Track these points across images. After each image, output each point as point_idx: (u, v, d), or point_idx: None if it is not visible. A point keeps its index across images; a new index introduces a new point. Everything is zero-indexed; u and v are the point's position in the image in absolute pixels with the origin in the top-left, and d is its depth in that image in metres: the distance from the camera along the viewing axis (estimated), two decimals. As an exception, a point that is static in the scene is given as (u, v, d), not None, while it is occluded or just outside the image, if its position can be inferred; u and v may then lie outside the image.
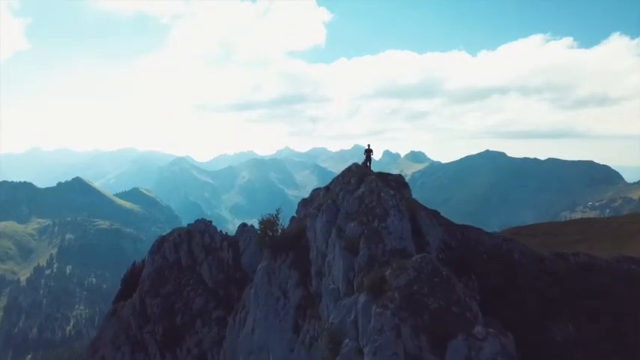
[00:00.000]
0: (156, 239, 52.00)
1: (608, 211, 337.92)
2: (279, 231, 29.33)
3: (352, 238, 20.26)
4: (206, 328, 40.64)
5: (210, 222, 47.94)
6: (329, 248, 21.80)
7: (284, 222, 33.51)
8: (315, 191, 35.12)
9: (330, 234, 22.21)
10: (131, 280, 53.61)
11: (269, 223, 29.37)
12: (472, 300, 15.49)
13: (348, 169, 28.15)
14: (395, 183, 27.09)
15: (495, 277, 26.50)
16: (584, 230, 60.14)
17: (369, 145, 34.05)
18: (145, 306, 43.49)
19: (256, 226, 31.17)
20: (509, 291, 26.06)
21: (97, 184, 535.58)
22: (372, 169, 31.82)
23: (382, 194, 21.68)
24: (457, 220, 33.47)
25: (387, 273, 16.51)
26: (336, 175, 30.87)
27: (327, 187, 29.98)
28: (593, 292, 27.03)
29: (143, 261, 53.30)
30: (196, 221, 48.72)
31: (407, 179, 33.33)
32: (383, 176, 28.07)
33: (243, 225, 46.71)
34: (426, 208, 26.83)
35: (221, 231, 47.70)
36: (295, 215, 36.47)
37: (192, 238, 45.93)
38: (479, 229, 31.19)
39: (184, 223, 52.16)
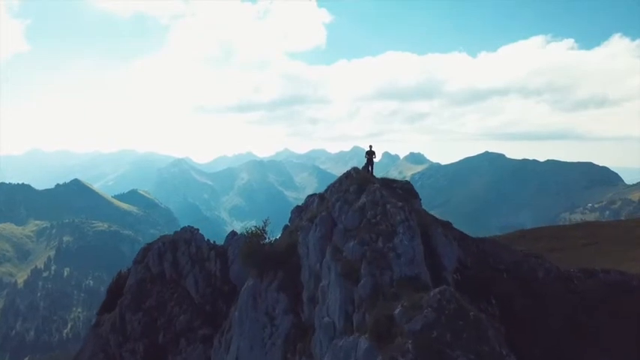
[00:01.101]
0: (141, 247, 48.43)
1: (607, 212, 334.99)
2: (267, 245, 25.20)
3: (351, 262, 16.26)
4: (191, 347, 36.89)
5: (197, 230, 44.14)
6: (323, 271, 17.95)
7: (278, 230, 29.66)
8: (310, 197, 31.14)
9: (324, 253, 18.33)
10: (116, 290, 50.25)
11: (255, 236, 25.11)
12: (510, 352, 11.74)
13: (347, 175, 23.86)
14: (402, 192, 23.19)
15: (518, 300, 22.95)
16: (591, 234, 56.42)
17: (370, 147, 29.70)
18: (125, 322, 39.77)
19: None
20: (534, 317, 22.49)
21: (96, 185, 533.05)
22: (374, 174, 27.95)
23: (388, 206, 17.66)
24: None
25: (397, 312, 12.71)
26: (336, 178, 26.98)
27: (321, 196, 25.88)
28: (629, 317, 23.48)
29: (129, 269, 49.85)
30: (182, 229, 44.93)
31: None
32: (388, 183, 24.15)
33: (233, 233, 42.93)
34: (438, 221, 22.92)
35: (209, 240, 43.96)
36: (289, 224, 32.64)
37: (177, 247, 42.15)
38: (496, 242, 27.53)
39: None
